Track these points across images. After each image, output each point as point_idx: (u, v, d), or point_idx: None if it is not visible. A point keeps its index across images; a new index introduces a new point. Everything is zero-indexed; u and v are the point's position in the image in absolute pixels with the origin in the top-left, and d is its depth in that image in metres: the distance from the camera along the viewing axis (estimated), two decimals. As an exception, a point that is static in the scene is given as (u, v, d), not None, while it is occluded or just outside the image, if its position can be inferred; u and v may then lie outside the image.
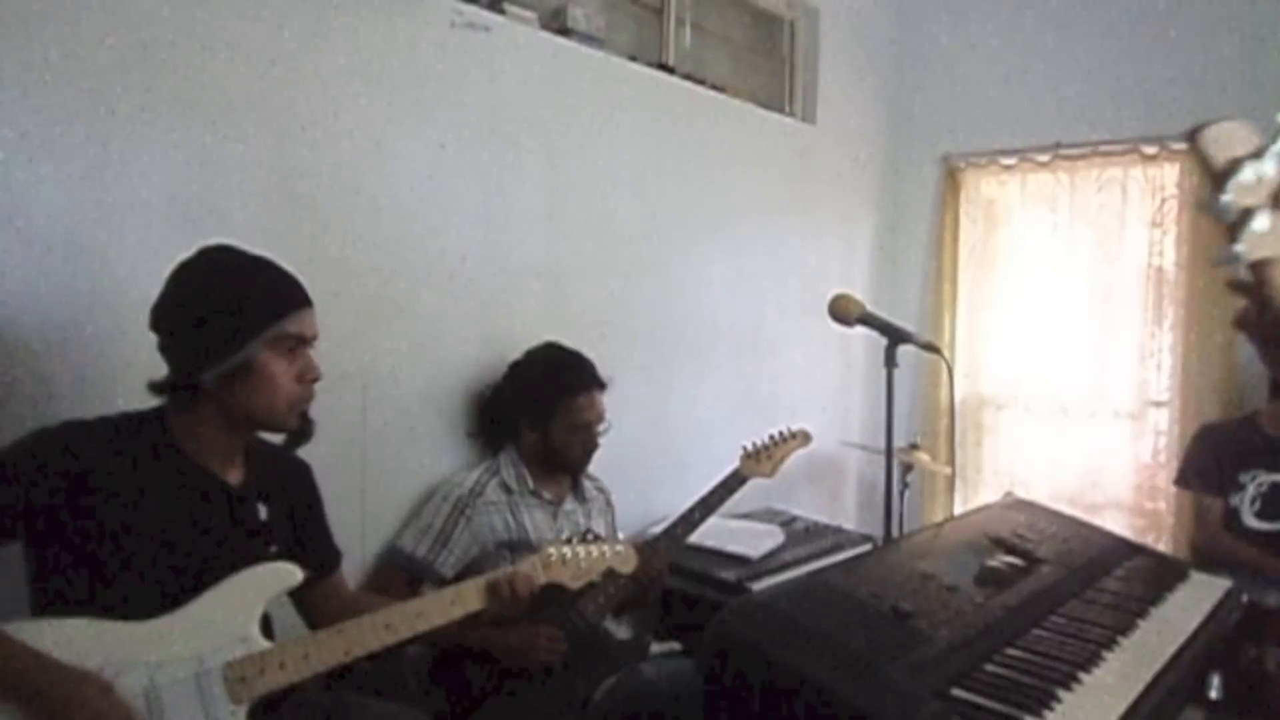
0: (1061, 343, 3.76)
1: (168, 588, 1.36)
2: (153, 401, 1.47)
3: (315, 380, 1.50)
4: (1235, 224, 0.82)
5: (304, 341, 1.48)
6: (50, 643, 1.25)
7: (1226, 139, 0.84)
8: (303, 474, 1.68)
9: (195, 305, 1.44)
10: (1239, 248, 0.82)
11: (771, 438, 2.43)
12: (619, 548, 1.70)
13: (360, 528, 2.13)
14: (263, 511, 1.53)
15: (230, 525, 1.47)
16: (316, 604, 1.63)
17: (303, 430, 1.54)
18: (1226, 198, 0.82)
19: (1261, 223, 0.82)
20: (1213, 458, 3.00)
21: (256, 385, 1.43)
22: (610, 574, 1.71)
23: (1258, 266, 0.85)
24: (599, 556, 1.67)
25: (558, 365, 2.28)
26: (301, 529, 1.62)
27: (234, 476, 1.52)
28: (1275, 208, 0.83)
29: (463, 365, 2.38)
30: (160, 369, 1.46)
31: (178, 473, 1.44)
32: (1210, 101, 3.36)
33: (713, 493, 2.34)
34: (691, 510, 2.33)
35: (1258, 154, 0.82)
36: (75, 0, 1.67)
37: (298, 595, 1.58)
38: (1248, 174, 0.81)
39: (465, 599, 1.54)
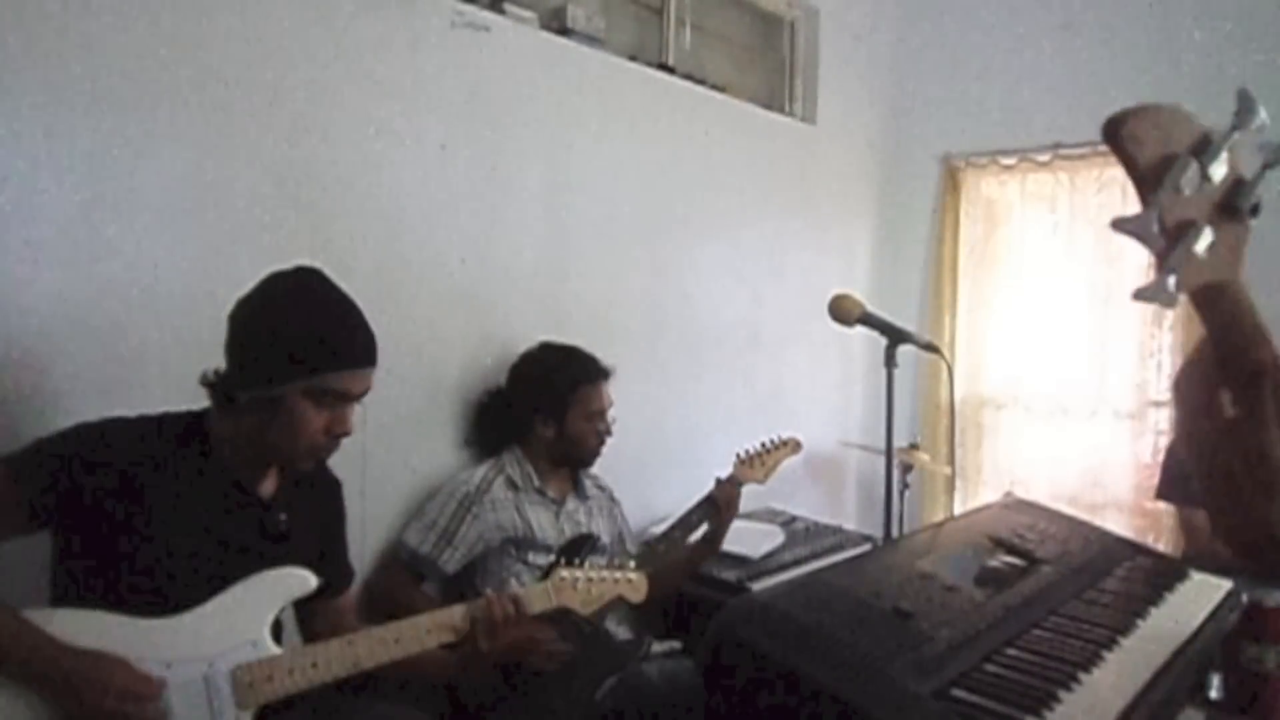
0: (1061, 343, 3.76)
1: (184, 589, 1.37)
2: (181, 402, 1.49)
3: (343, 435, 1.47)
4: (1171, 243, 0.61)
5: (344, 398, 1.45)
6: (63, 632, 1.27)
7: (1157, 130, 0.63)
8: (333, 490, 1.70)
9: (256, 326, 1.44)
10: (1172, 278, 0.62)
11: (764, 444, 2.45)
12: (631, 576, 1.72)
13: (360, 527, 2.13)
14: (286, 523, 1.53)
15: (254, 534, 1.48)
16: (319, 621, 1.62)
17: (314, 474, 1.55)
18: (1154, 212, 0.61)
19: (1202, 242, 0.61)
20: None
21: (282, 424, 1.42)
22: (619, 600, 1.72)
23: (1198, 295, 0.66)
24: (611, 583, 1.68)
25: (567, 359, 2.30)
26: (321, 544, 1.62)
27: (266, 487, 1.52)
28: (1220, 222, 0.62)
29: (462, 365, 2.38)
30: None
31: (209, 478, 1.45)
32: (1210, 102, 3.36)
33: (707, 498, 2.36)
34: (689, 514, 2.34)
35: (1199, 150, 0.61)
36: (77, 5, 1.67)
37: (302, 610, 1.58)
38: (1188, 177, 0.60)
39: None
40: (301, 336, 1.42)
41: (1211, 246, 0.61)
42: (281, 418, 1.42)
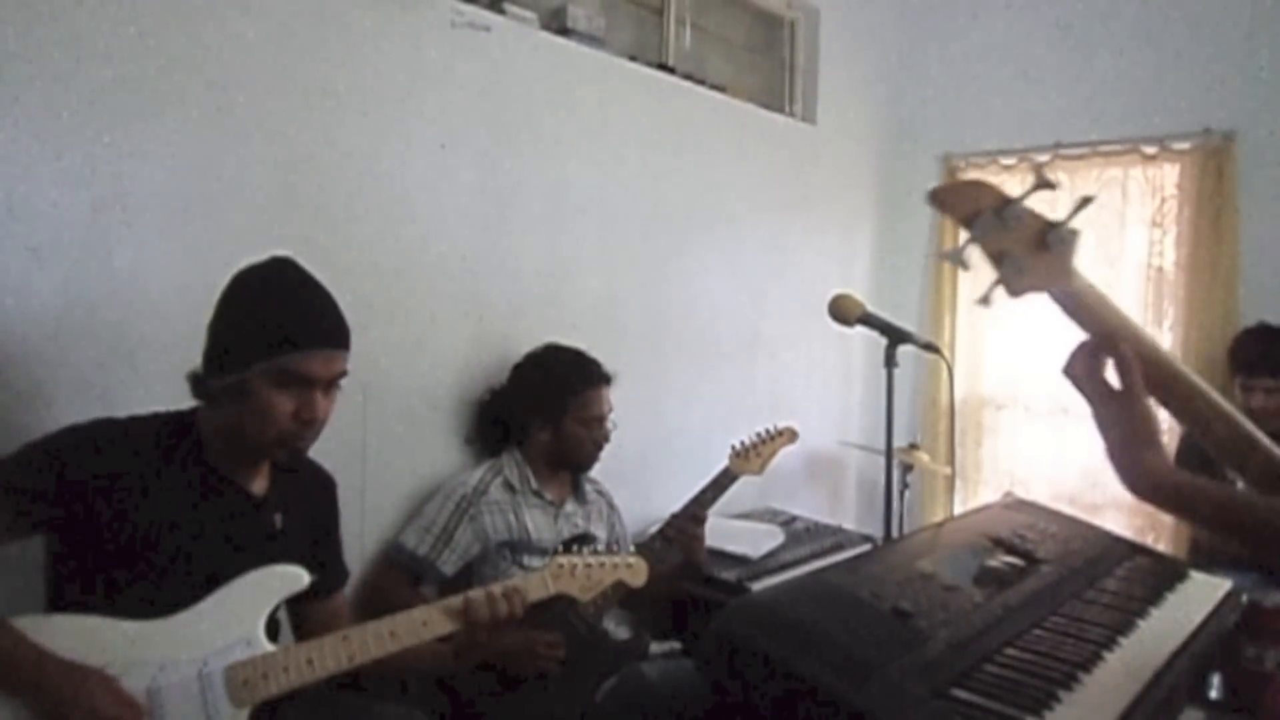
0: (1061, 343, 3.74)
1: (178, 589, 1.36)
2: (181, 402, 1.48)
3: (311, 421, 1.44)
4: (994, 265, 0.90)
5: (310, 381, 1.42)
6: (57, 638, 1.26)
7: (964, 197, 0.90)
8: (327, 489, 1.69)
9: (221, 313, 1.44)
10: (996, 288, 0.90)
11: (759, 435, 2.45)
12: (630, 560, 1.69)
13: (360, 528, 2.13)
14: (279, 521, 1.53)
15: (245, 533, 1.47)
16: (312, 621, 1.62)
17: (287, 464, 1.53)
18: (965, 246, 0.90)
19: (1017, 265, 0.89)
20: (1202, 456, 2.98)
21: (249, 410, 1.41)
22: (620, 585, 1.70)
23: (1057, 301, 0.94)
24: (610, 568, 1.66)
25: (566, 362, 2.29)
26: (315, 543, 1.62)
27: (257, 485, 1.52)
28: (1032, 251, 0.90)
29: (462, 365, 2.38)
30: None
31: (200, 477, 1.45)
32: (1211, 101, 3.37)
33: (704, 491, 2.34)
34: (685, 509, 2.33)
35: (1001, 208, 0.89)
36: (77, 5, 1.67)
37: (295, 610, 1.57)
38: (992, 225, 0.88)
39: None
40: (261, 319, 1.41)
41: (1027, 268, 0.89)
42: (249, 405, 1.40)
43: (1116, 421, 0.94)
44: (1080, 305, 0.94)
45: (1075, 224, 0.92)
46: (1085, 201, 0.91)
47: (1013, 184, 3.78)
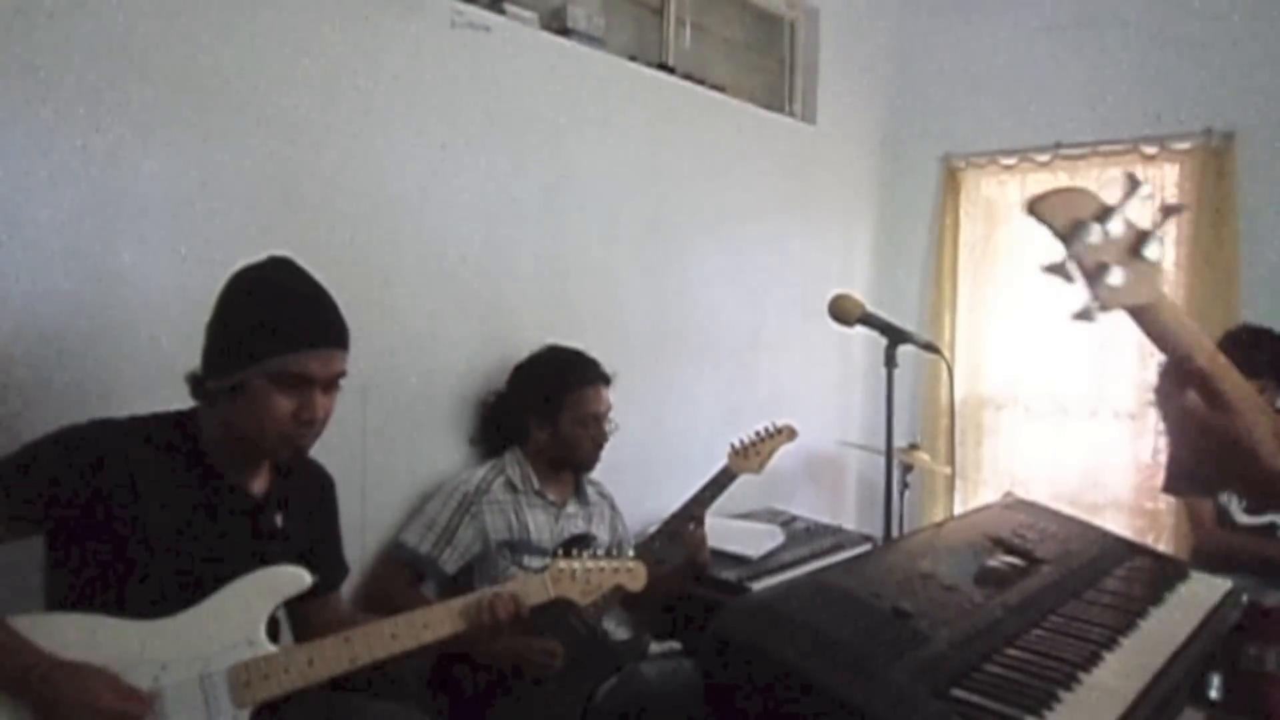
0: (1061, 343, 3.76)
1: (179, 590, 1.36)
2: (181, 403, 1.48)
3: (311, 421, 1.44)
4: (1090, 279, 0.85)
5: (309, 381, 1.42)
6: (58, 638, 1.26)
7: (1066, 205, 0.87)
8: (326, 488, 1.68)
9: (219, 315, 1.44)
10: (1094, 302, 0.86)
11: (758, 434, 2.44)
12: (629, 564, 1.69)
13: (360, 528, 2.13)
14: (279, 520, 1.53)
15: (245, 533, 1.47)
16: (310, 618, 1.61)
17: (289, 465, 1.53)
18: (1068, 259, 0.85)
19: (1115, 277, 0.85)
20: (1190, 477, 2.97)
21: (249, 410, 1.41)
22: (619, 589, 1.71)
23: (1136, 316, 0.89)
24: (609, 572, 1.66)
25: (563, 362, 2.29)
26: (315, 541, 1.62)
27: (257, 484, 1.51)
28: (1129, 262, 0.86)
29: (462, 366, 2.38)
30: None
31: (199, 478, 1.44)
32: (1211, 101, 3.37)
33: (703, 490, 2.34)
34: (684, 508, 2.33)
35: (1102, 216, 0.85)
36: (75, 4, 1.67)
37: (292, 609, 1.56)
38: (1093, 235, 0.84)
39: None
40: (259, 320, 1.41)
41: (1124, 280, 0.85)
42: (248, 406, 1.40)
43: (1217, 434, 0.89)
44: (1156, 319, 0.89)
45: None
46: (1172, 210, 0.87)
47: (1013, 184, 3.82)
